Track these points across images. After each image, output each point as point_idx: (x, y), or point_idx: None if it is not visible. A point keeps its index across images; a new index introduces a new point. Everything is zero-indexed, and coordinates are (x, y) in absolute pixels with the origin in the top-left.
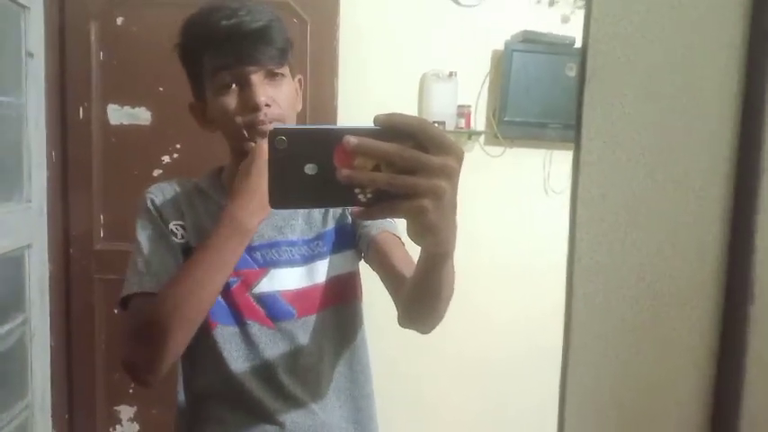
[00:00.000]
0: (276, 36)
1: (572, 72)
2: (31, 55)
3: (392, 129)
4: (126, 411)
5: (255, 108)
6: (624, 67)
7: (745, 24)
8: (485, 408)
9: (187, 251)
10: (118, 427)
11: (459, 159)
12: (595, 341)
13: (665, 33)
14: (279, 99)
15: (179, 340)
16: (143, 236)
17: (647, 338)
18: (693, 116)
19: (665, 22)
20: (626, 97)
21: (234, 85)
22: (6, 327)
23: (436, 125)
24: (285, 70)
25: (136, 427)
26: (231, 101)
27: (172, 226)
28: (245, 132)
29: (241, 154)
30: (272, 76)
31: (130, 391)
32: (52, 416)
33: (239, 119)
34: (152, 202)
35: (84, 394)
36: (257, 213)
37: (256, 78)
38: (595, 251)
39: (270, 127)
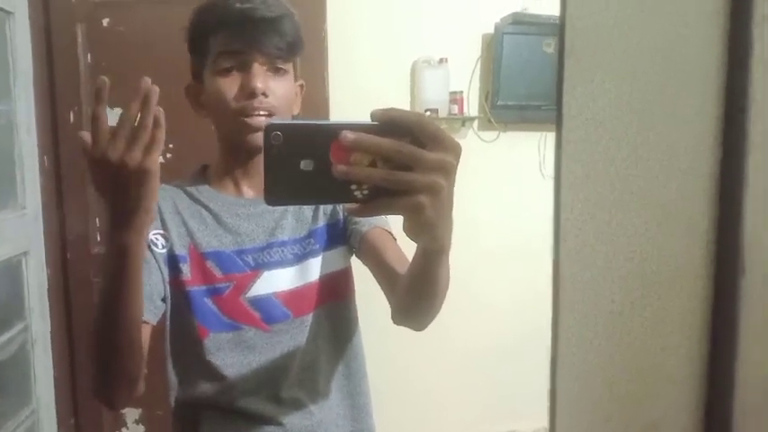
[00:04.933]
0: (287, 29)
1: (550, 48)
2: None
3: (389, 124)
4: (131, 414)
5: (252, 94)
6: (603, 43)
7: None
8: (485, 397)
9: (172, 259)
10: (124, 429)
11: (457, 155)
12: (584, 322)
13: (645, 6)
14: (277, 92)
15: (115, 367)
16: None
17: (637, 318)
18: (676, 90)
19: None
20: (606, 74)
21: (234, 71)
22: (7, 335)
23: (429, 113)
24: (289, 67)
25: (141, 428)
26: (229, 85)
27: (151, 236)
28: (234, 120)
29: (228, 145)
30: (275, 70)
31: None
32: (58, 421)
33: (233, 104)
34: None
35: (89, 398)
36: (127, 229)
37: (259, 67)
38: (581, 231)
39: (262, 119)
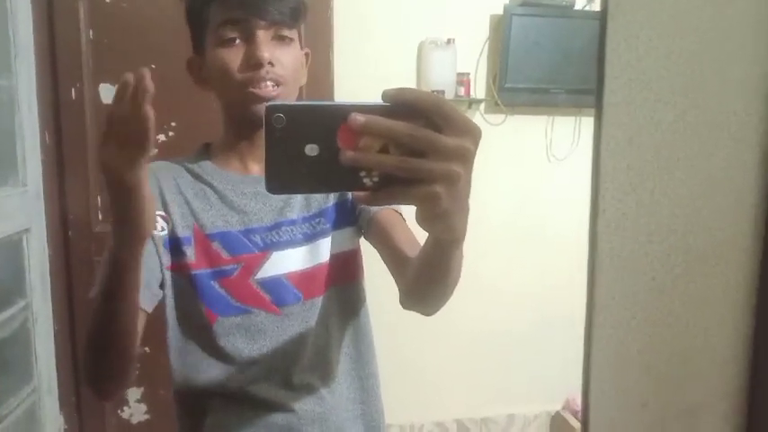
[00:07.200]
0: None
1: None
2: None
3: (402, 105)
4: (133, 393)
5: (258, 64)
6: None
7: None
8: (488, 381)
9: (175, 242)
10: (126, 408)
11: (476, 140)
12: (622, 301)
13: None
14: (284, 61)
15: (107, 358)
16: None
17: (678, 297)
18: (727, 49)
19: None
20: (653, 30)
21: (238, 40)
22: (8, 312)
23: (435, 94)
24: (294, 35)
25: (143, 407)
26: (232, 55)
27: None
28: (241, 91)
29: (234, 119)
30: (280, 38)
31: (136, 372)
32: (59, 399)
33: (238, 75)
34: None
35: None
36: (126, 243)
37: (263, 35)
38: (621, 202)
39: (269, 88)
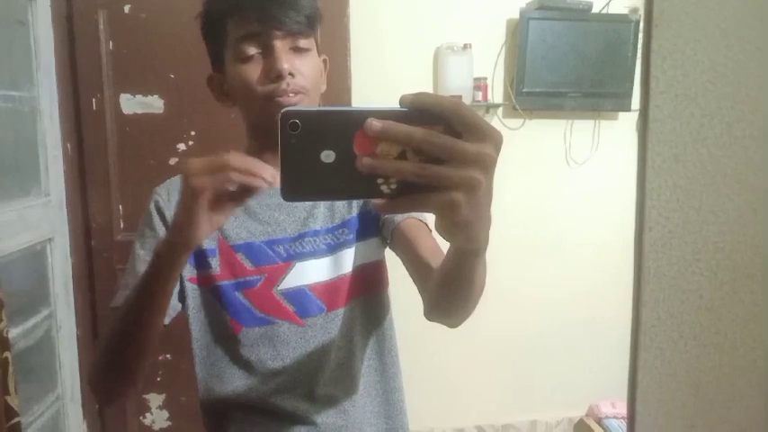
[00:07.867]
0: (304, 2)
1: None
2: (22, 23)
3: (420, 110)
4: (155, 399)
5: (278, 76)
6: (696, 8)
7: None
8: (508, 387)
9: (200, 254)
10: (148, 415)
11: (497, 146)
12: (669, 320)
13: None
14: (304, 71)
15: (123, 365)
16: (137, 244)
17: (726, 315)
18: None
19: None
20: (699, 42)
21: (256, 54)
22: (33, 320)
23: (455, 98)
24: (311, 44)
25: (165, 414)
26: (252, 70)
27: None
28: (264, 104)
29: (258, 132)
30: (297, 48)
31: (158, 379)
32: (83, 406)
33: (260, 89)
34: (156, 203)
35: None
36: (176, 249)
37: (281, 46)
38: (668, 219)
39: (292, 99)
